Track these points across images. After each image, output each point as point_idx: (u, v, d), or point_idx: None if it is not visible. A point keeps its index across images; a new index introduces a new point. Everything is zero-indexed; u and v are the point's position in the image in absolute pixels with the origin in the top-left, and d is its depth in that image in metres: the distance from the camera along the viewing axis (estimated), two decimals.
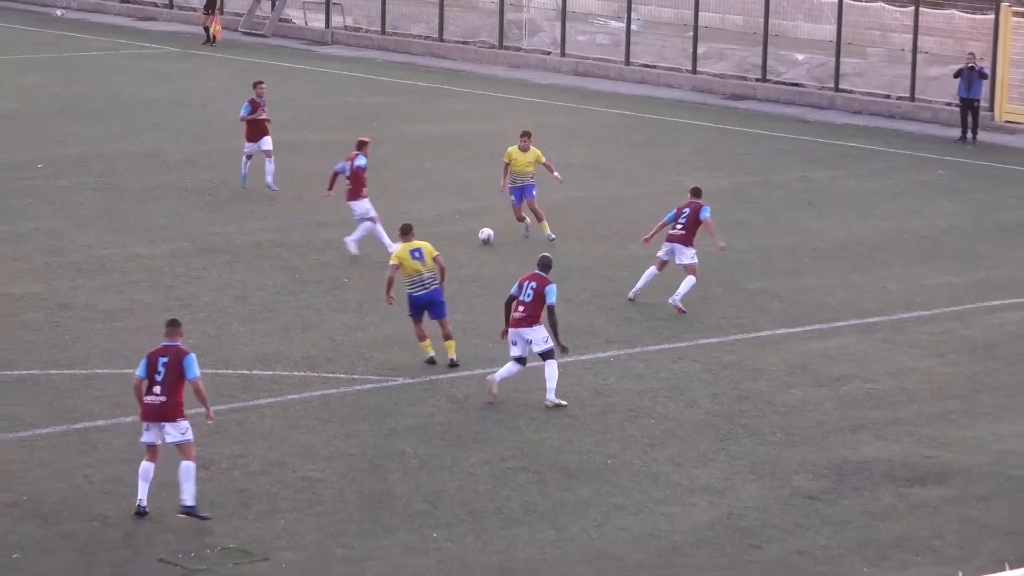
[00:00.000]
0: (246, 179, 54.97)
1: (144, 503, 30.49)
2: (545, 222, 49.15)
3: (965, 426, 36.78)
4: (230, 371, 38.66)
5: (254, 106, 56.55)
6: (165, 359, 30.63)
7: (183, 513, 30.28)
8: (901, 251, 51.05)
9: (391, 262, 34.29)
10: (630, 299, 44.68)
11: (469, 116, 71.09)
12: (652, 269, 44.26)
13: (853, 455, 34.93)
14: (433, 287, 35.81)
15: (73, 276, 45.67)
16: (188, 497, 30.35)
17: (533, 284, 37.13)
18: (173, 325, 31.35)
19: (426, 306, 35.93)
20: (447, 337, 35.40)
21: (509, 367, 37.34)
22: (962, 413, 37.59)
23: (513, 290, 37.35)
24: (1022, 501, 32.87)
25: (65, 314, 42.77)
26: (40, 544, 29.79)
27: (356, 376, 37.29)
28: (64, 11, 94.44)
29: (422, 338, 37.19)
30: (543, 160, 49.89)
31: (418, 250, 35.06)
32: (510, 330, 37.35)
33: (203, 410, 30.87)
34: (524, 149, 49.46)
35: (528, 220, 49.45)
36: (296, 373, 38.02)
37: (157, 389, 30.50)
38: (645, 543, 30.51)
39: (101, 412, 35.64)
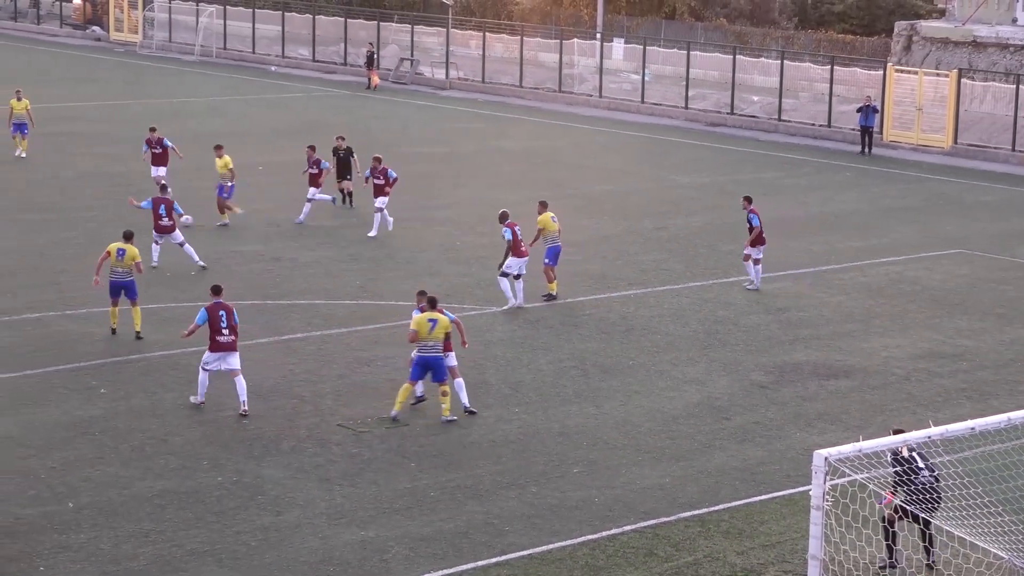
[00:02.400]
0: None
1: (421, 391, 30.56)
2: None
3: (863, 340, 36.58)
4: (384, 302, 38.56)
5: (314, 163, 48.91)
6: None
7: (467, 412, 30.26)
8: (821, 225, 50.79)
9: (411, 327, 30.05)
10: (753, 289, 41.18)
11: (538, 136, 70.82)
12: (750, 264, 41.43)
13: (790, 359, 34.78)
14: (437, 353, 29.77)
15: (281, 238, 45.58)
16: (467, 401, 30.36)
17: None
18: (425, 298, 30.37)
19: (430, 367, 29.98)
20: (444, 394, 29.87)
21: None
22: (861, 332, 37.41)
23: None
24: (899, 389, 32.77)
25: (276, 264, 42.71)
26: (260, 413, 29.75)
27: (465, 306, 37.14)
28: (276, 68, 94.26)
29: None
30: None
31: (434, 320, 29.77)
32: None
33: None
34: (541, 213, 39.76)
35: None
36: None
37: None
38: (653, 415, 30.46)
39: (300, 328, 35.53)
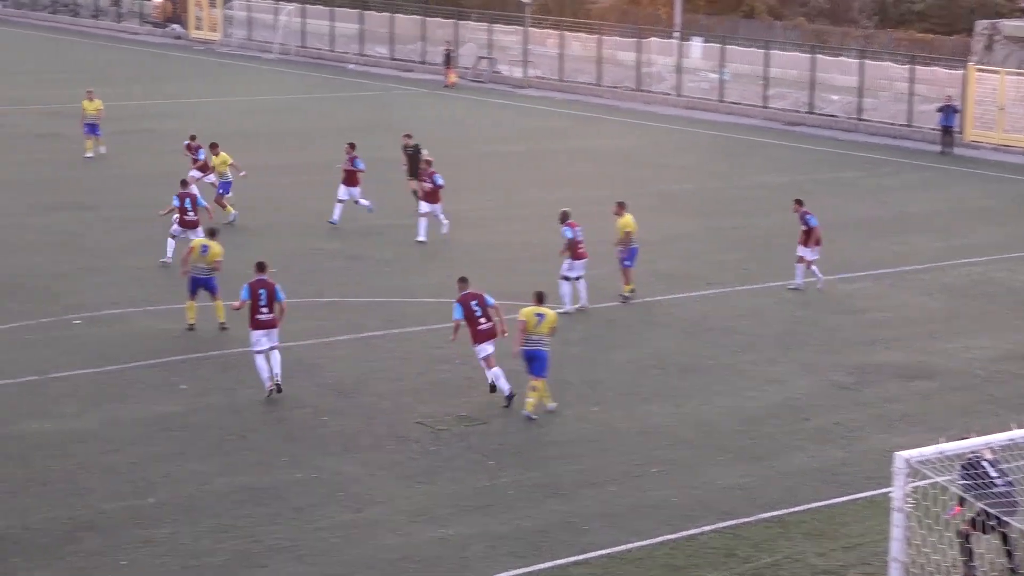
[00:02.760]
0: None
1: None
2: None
3: (945, 341, 36.31)
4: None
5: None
6: (475, 302, 30.84)
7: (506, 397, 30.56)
8: (902, 225, 50.45)
9: (520, 318, 30.35)
10: (795, 288, 40.81)
11: (615, 135, 70.70)
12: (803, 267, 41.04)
13: (871, 360, 34.56)
14: (541, 347, 30.04)
15: (360, 236, 45.70)
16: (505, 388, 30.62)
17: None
18: (462, 281, 31.27)
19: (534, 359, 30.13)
20: (533, 388, 29.93)
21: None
22: (943, 333, 37.13)
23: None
24: (981, 391, 32.53)
25: (356, 262, 42.84)
26: (339, 410, 29.86)
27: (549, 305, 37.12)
28: (354, 66, 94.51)
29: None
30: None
31: (541, 315, 30.18)
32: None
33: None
34: (619, 214, 39.42)
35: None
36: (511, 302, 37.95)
37: (482, 320, 30.71)
38: (733, 415, 30.36)
39: (379, 326, 35.58)
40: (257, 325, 30.54)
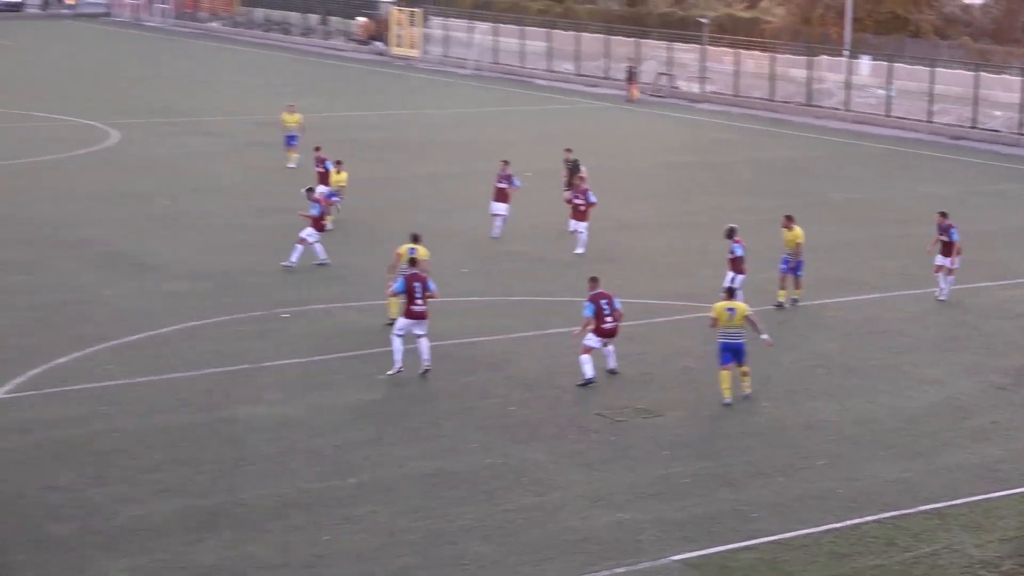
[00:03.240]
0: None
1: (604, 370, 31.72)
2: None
3: None
4: (638, 300, 38.61)
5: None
6: (604, 300, 31.39)
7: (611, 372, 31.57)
8: None
9: (711, 315, 30.84)
10: (942, 300, 39.49)
11: (787, 147, 70.24)
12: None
13: None
14: (739, 339, 30.31)
15: (544, 240, 45.75)
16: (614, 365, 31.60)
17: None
18: (593, 280, 31.92)
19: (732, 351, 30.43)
20: (744, 374, 30.55)
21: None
22: None
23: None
24: None
25: (540, 263, 42.97)
26: (525, 402, 30.00)
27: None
28: (543, 81, 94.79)
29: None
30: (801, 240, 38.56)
31: (732, 309, 30.45)
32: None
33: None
34: (789, 227, 38.44)
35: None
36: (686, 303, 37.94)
37: (608, 318, 31.26)
38: (895, 413, 30.02)
39: (561, 324, 35.58)
40: (409, 315, 31.18)
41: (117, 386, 30.40)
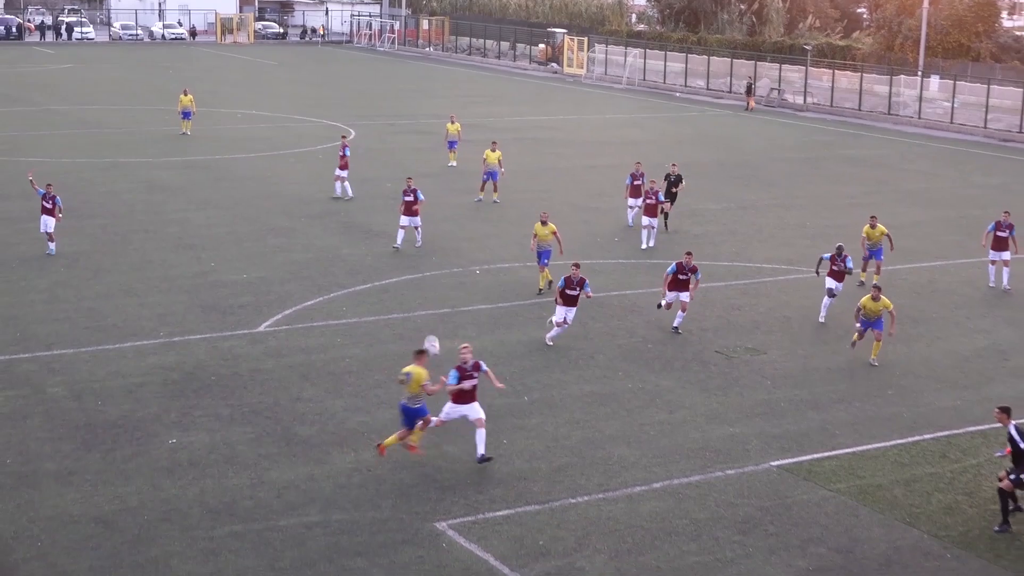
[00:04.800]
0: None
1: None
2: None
3: None
4: (752, 264, 38.16)
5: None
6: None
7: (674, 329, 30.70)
8: None
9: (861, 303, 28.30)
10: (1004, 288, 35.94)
11: (871, 147, 68.88)
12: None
13: None
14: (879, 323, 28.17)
15: (677, 217, 45.40)
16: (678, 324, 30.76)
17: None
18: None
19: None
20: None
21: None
22: None
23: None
24: None
25: (674, 235, 42.62)
26: (660, 340, 29.86)
27: (802, 268, 36.40)
28: (680, 94, 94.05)
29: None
30: (887, 232, 35.71)
31: (877, 298, 27.89)
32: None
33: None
34: (872, 226, 35.14)
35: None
36: (780, 266, 37.40)
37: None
38: (949, 355, 29.31)
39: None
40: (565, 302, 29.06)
41: (350, 324, 30.84)
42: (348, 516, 19.91)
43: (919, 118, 79.74)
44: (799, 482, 21.94)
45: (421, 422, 22.16)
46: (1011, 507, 20.18)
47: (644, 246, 39.82)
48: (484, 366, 22.38)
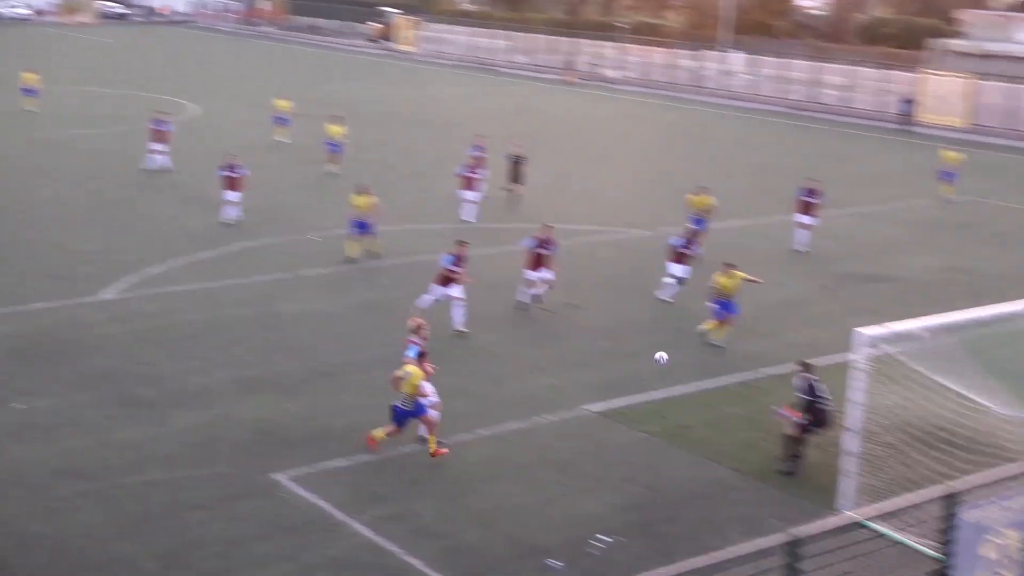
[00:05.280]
0: None
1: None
2: None
3: (902, 257, 35.49)
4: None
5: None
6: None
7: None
8: (874, 179, 49.49)
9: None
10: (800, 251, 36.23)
11: (679, 117, 69.96)
12: None
13: (847, 270, 33.82)
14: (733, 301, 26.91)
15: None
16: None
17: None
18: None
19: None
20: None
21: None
22: (899, 252, 36.28)
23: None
24: (923, 291, 31.80)
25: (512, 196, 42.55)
26: (490, 299, 29.80)
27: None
28: (504, 69, 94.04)
29: None
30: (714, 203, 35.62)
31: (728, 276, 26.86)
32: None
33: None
34: (697, 195, 35.32)
35: None
36: (597, 228, 37.45)
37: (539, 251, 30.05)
38: (752, 306, 29.70)
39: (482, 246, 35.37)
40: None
41: (191, 290, 30.19)
42: (188, 473, 19.51)
43: (724, 90, 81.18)
44: (613, 425, 22.17)
45: (425, 426, 20.34)
46: (797, 454, 20.56)
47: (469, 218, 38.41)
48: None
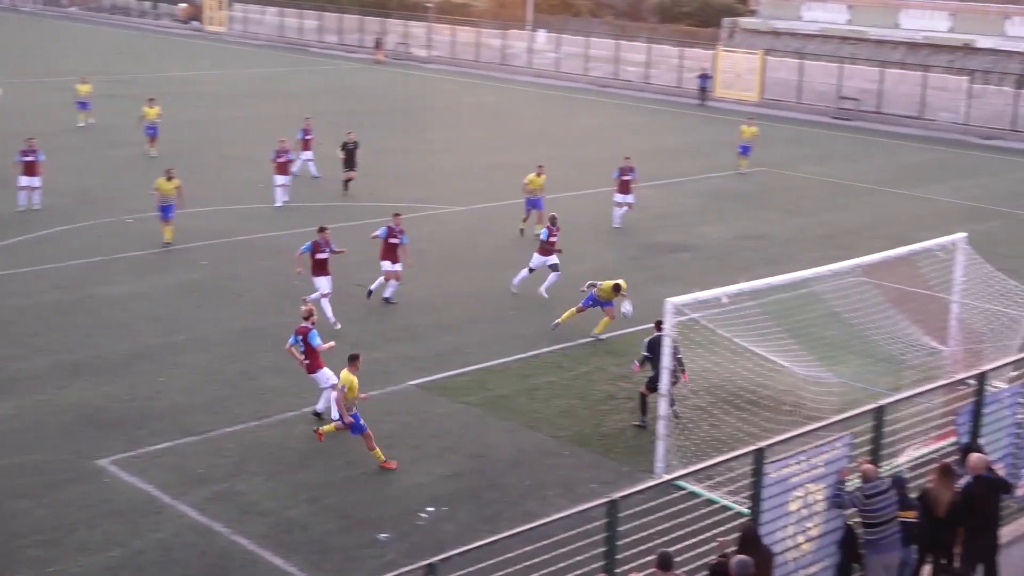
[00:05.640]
0: None
1: None
2: None
3: (700, 227, 36.21)
4: None
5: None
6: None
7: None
8: (675, 152, 50.49)
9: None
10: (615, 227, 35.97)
11: (489, 94, 70.11)
12: None
13: (652, 240, 34.40)
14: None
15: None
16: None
17: None
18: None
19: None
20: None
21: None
22: (698, 221, 36.99)
23: None
24: (721, 259, 32.55)
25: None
26: (305, 276, 29.48)
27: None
28: (315, 48, 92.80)
29: None
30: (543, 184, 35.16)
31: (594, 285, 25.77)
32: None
33: None
34: (539, 175, 34.80)
35: None
36: (420, 204, 37.32)
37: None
38: (563, 279, 30.21)
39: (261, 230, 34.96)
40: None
41: (4, 275, 29.12)
42: (11, 460, 18.85)
43: (530, 67, 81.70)
44: (435, 397, 22.23)
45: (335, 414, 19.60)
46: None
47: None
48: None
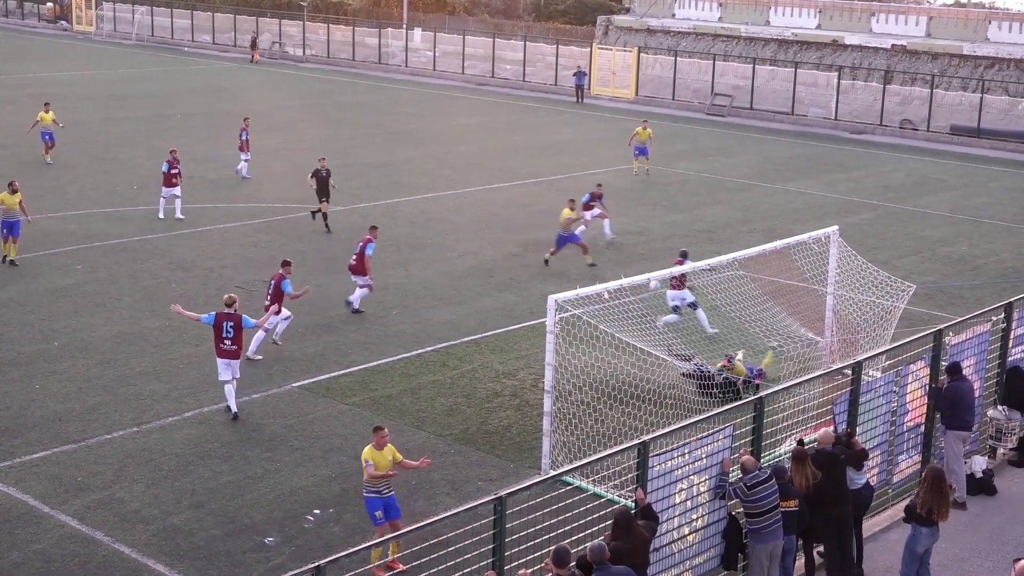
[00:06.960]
0: None
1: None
2: None
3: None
4: None
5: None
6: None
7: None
8: (552, 149, 50.77)
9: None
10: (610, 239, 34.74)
11: (364, 93, 69.70)
12: None
13: (533, 237, 34.58)
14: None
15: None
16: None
17: None
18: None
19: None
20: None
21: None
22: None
23: None
24: (604, 255, 32.85)
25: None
26: (183, 279, 29.01)
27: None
28: (188, 48, 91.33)
29: None
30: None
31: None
32: None
33: None
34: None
35: None
36: (295, 206, 36.96)
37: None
38: (444, 275, 30.06)
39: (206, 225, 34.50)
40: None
41: None
42: None
43: (406, 66, 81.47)
44: (319, 399, 22.04)
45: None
46: None
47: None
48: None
